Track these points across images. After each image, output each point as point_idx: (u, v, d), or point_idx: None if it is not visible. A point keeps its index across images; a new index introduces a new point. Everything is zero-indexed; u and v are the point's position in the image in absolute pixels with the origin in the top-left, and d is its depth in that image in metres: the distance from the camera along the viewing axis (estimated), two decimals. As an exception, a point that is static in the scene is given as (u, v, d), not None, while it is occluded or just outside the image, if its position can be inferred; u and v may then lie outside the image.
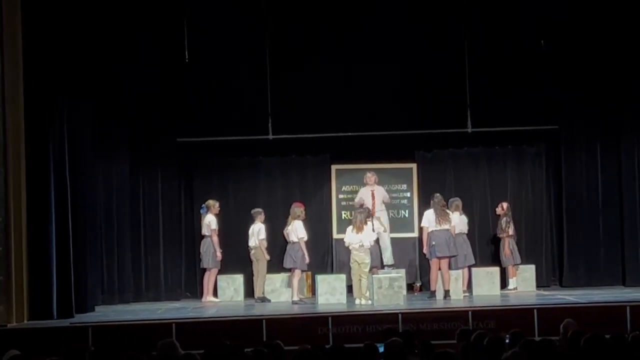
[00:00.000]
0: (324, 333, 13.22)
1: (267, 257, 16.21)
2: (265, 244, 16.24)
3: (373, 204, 16.41)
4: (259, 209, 16.41)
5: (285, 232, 16.03)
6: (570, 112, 17.26)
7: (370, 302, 14.94)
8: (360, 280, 15.19)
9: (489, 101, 16.82)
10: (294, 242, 15.83)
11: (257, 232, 16.23)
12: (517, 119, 16.97)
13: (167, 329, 12.93)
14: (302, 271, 16.12)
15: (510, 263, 16.57)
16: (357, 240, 15.21)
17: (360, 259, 15.18)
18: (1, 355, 8.56)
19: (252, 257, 16.29)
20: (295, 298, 15.73)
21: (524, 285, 16.68)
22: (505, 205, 16.76)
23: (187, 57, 15.84)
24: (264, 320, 13.44)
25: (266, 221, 16.59)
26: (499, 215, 16.74)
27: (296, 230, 15.84)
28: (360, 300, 15.09)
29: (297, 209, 16.02)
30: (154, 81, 16.58)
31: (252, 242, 16.26)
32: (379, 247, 16.25)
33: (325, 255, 17.42)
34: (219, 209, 16.52)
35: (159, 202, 17.14)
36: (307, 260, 15.90)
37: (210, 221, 16.39)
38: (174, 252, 17.18)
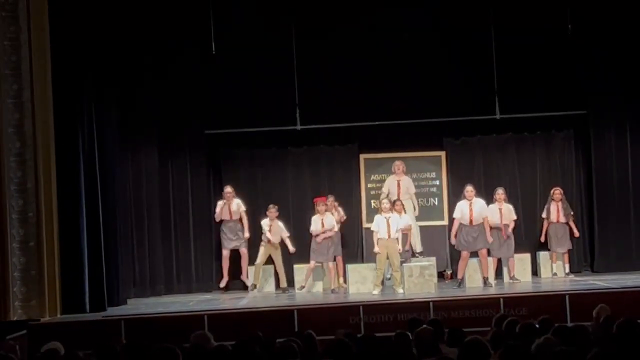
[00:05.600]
0: (356, 322, 13.24)
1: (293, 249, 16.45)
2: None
3: (398, 194, 16.38)
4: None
5: (316, 226, 16.10)
6: (599, 97, 17.13)
7: (401, 290, 14.98)
8: (382, 270, 15.28)
9: (517, 87, 16.75)
10: (330, 236, 16.00)
11: (282, 228, 16.38)
12: (545, 104, 16.91)
13: (199, 321, 12.99)
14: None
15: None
16: (385, 229, 15.29)
17: (393, 251, 15.22)
18: (38, 348, 8.64)
19: (270, 251, 16.33)
20: (334, 286, 15.98)
21: (556, 270, 16.60)
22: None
23: (214, 49, 15.88)
24: (295, 311, 13.48)
25: (295, 212, 17.06)
26: (560, 200, 16.60)
27: (331, 222, 16.05)
28: (377, 291, 15.17)
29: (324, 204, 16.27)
30: (181, 73, 16.62)
31: (275, 238, 16.33)
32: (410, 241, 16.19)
33: (356, 245, 17.40)
34: (226, 193, 16.59)
35: (189, 194, 17.19)
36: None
37: None
38: (205, 244, 17.23)
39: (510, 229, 16.08)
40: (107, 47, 15.12)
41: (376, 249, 15.33)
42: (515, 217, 16.22)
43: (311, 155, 17.74)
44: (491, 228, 15.81)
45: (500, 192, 16.16)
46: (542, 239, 16.67)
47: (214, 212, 16.74)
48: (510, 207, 16.23)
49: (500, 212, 16.02)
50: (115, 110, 15.61)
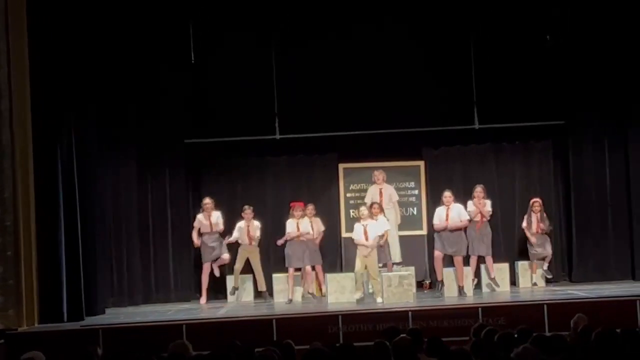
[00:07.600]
0: (334, 332, 13.24)
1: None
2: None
3: (381, 202, 16.39)
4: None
5: (292, 230, 16.08)
6: (577, 107, 17.17)
7: (381, 300, 14.99)
8: (362, 277, 15.30)
9: (496, 97, 16.80)
10: (303, 240, 15.94)
11: (257, 229, 16.31)
12: (524, 114, 16.94)
13: (177, 330, 12.97)
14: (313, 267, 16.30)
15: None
16: (363, 237, 15.32)
17: (371, 260, 15.24)
18: (15, 357, 8.58)
19: (249, 253, 16.28)
20: (311, 290, 15.96)
21: (536, 280, 16.62)
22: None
23: (193, 58, 15.88)
24: (274, 320, 13.47)
25: (275, 221, 16.97)
26: (540, 211, 16.60)
27: (307, 227, 16.03)
28: (358, 295, 15.18)
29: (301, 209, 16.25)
30: (160, 83, 16.60)
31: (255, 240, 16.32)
32: (388, 244, 16.17)
33: (334, 254, 17.39)
34: (205, 205, 16.50)
35: (167, 203, 17.13)
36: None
37: None
38: (183, 253, 17.15)
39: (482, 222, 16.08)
40: (86, 57, 15.07)
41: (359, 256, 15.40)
42: (490, 209, 16.17)
43: (290, 164, 17.72)
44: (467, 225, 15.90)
45: (478, 190, 16.11)
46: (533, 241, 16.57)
47: (192, 227, 16.56)
48: (488, 202, 16.20)
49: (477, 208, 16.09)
50: (94, 119, 15.55)
